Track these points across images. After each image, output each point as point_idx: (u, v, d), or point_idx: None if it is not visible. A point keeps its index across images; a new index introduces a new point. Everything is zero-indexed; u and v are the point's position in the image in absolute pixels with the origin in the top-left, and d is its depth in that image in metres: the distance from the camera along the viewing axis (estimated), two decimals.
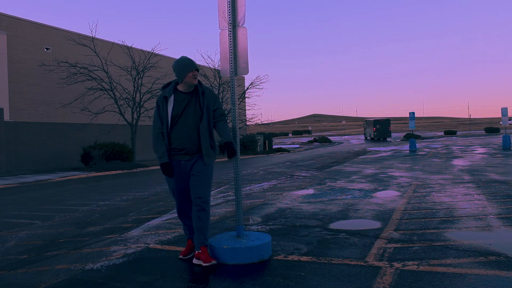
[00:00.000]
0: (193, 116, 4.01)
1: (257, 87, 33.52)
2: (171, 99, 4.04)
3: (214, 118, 4.12)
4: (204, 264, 3.91)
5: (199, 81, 4.11)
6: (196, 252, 4.03)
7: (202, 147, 4.00)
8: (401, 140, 44.42)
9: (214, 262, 3.92)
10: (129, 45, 23.67)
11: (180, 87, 4.08)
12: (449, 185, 9.13)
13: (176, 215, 6.77)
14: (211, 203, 7.86)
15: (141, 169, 19.46)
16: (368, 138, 53.75)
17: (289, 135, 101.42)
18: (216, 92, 30.41)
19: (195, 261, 4.03)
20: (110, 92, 21.45)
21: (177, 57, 4.22)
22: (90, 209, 7.88)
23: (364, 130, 57.43)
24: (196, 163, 4.03)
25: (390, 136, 49.54)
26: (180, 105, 4.02)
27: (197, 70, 4.01)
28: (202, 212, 4.00)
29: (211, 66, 30.63)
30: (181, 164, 4.04)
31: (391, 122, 50.23)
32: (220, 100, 32.73)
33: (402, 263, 3.81)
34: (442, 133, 64.37)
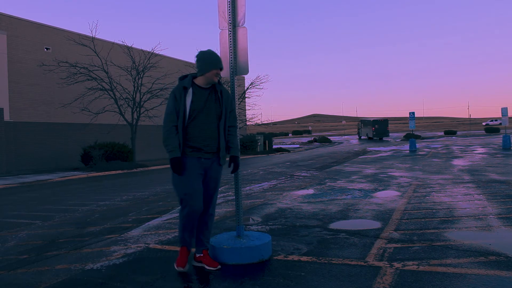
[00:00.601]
0: (214, 113, 3.86)
1: (257, 87, 33.49)
2: (190, 91, 3.81)
3: (229, 122, 4.00)
4: (208, 268, 3.87)
5: (218, 80, 3.98)
6: (198, 255, 3.98)
7: (221, 147, 3.88)
8: (401, 140, 44.42)
9: (219, 266, 3.87)
10: (129, 45, 23.67)
11: (198, 81, 3.88)
12: (449, 185, 9.13)
13: (176, 215, 6.79)
14: None
15: (141, 169, 19.46)
16: (364, 137, 54.42)
17: (289, 135, 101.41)
18: None
19: (195, 264, 3.99)
20: (110, 92, 21.45)
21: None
22: (90, 209, 7.88)
23: (359, 129, 57.97)
24: (214, 164, 3.89)
25: (388, 135, 51.42)
26: (200, 99, 3.81)
27: (221, 69, 3.91)
28: (211, 216, 3.98)
29: None
30: (201, 161, 3.81)
31: (388, 122, 52.15)
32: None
33: (402, 263, 3.81)
34: (442, 133, 64.34)
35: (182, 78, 3.97)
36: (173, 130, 3.75)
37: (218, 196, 8.82)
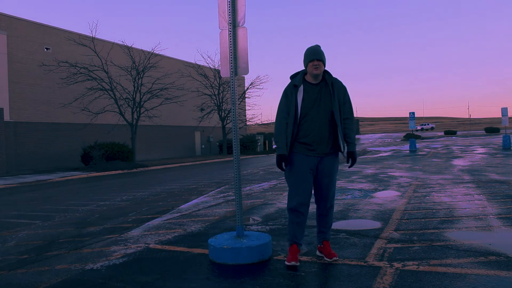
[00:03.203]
0: (326, 108, 3.83)
1: (257, 87, 33.58)
2: (301, 89, 3.85)
3: (344, 114, 3.92)
4: (325, 258, 3.98)
5: (327, 71, 3.92)
6: (318, 246, 4.12)
7: (334, 141, 3.87)
8: (401, 140, 44.42)
9: (334, 258, 3.93)
10: (129, 45, 23.70)
11: (308, 78, 3.90)
12: (449, 185, 9.12)
13: (177, 215, 6.81)
14: (212, 203, 7.86)
15: (141, 169, 19.46)
16: None
17: None
18: (216, 92, 30.42)
19: (318, 253, 4.14)
20: (110, 92, 21.46)
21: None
22: (90, 209, 7.88)
23: None
24: (325, 159, 3.86)
25: (359, 133, 60.40)
26: (310, 96, 3.83)
27: (320, 60, 3.79)
28: (330, 209, 4.02)
29: (211, 66, 30.65)
30: (310, 158, 3.84)
31: (359, 122, 63.32)
32: (221, 100, 32.29)
33: (402, 263, 3.81)
34: (442, 133, 64.35)
35: (293, 76, 4.00)
36: (283, 128, 3.85)
37: (218, 196, 8.86)
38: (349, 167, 4.01)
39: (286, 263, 3.82)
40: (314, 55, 3.79)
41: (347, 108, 3.94)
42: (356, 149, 4.03)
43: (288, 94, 3.88)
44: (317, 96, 3.84)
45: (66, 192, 11.27)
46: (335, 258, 3.94)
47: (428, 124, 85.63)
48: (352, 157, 3.96)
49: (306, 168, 3.84)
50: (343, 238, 4.81)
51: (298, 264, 3.81)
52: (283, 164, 3.88)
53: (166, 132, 28.83)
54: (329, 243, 4.08)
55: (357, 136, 58.98)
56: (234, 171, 4.33)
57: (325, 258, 3.97)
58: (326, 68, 3.91)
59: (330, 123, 3.85)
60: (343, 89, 3.95)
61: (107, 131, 23.14)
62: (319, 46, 3.91)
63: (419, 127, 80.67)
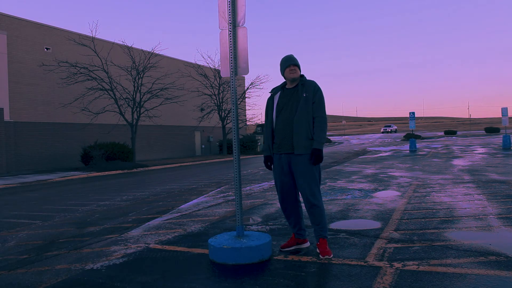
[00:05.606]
0: (290, 109, 4.08)
1: (257, 87, 33.54)
2: (277, 96, 4.25)
3: (313, 113, 4.05)
4: (320, 256, 4.03)
5: (302, 75, 4.19)
6: (317, 243, 4.16)
7: (294, 139, 4.02)
8: (401, 140, 44.41)
9: (327, 256, 3.98)
10: (129, 45, 23.69)
11: (287, 84, 4.26)
12: (449, 185, 9.12)
13: (177, 215, 6.83)
14: (212, 203, 7.86)
15: (141, 169, 19.46)
16: None
17: None
18: (216, 92, 30.40)
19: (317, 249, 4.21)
20: (110, 92, 21.45)
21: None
22: (90, 209, 7.89)
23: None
24: (294, 157, 4.06)
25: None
26: (283, 100, 4.17)
27: (295, 65, 4.12)
28: (314, 208, 4.07)
29: (211, 66, 30.65)
30: (281, 158, 4.16)
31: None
32: (221, 100, 32.22)
33: (402, 263, 3.81)
34: (442, 133, 64.29)
35: (274, 88, 4.43)
36: (267, 132, 4.29)
37: (218, 196, 8.85)
38: (312, 164, 4.02)
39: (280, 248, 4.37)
40: (290, 61, 4.14)
41: (316, 108, 4.07)
42: (323, 148, 4.08)
43: (268, 103, 4.33)
44: (289, 98, 4.13)
45: (66, 192, 11.27)
46: (327, 256, 3.98)
47: (392, 126, 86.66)
48: (314, 154, 4.00)
49: (278, 166, 4.23)
50: (343, 238, 4.81)
51: (291, 248, 4.33)
52: (266, 164, 4.37)
53: (166, 132, 28.83)
54: (326, 241, 4.11)
55: (338, 139, 58.60)
56: (234, 171, 4.34)
57: (320, 256, 4.03)
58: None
59: (296, 122, 4.02)
60: (315, 89, 4.10)
61: (107, 131, 23.14)
62: (292, 55, 4.24)
63: (388, 129, 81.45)
